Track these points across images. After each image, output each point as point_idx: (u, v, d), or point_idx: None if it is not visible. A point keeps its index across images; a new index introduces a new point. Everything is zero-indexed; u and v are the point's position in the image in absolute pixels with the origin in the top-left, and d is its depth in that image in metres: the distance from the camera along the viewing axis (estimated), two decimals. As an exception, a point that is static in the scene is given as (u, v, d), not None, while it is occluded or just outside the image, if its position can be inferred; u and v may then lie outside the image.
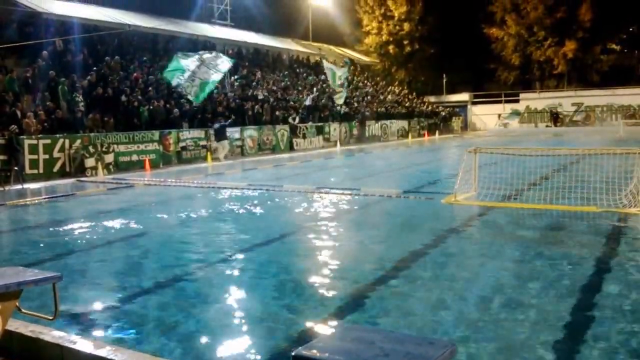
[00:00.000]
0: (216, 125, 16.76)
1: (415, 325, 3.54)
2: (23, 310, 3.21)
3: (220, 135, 16.63)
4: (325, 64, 23.29)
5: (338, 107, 24.67)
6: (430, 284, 4.33)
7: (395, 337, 2.06)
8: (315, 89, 25.73)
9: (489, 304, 3.88)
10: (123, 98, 15.76)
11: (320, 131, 22.29)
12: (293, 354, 1.85)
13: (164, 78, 16.61)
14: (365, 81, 33.41)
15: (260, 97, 21.44)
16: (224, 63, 16.40)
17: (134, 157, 14.57)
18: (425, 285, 4.33)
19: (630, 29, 39.34)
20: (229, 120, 17.46)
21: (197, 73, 15.75)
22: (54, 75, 15.09)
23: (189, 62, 15.73)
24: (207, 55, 16.38)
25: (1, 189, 10.70)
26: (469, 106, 38.81)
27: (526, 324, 3.49)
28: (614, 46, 40.38)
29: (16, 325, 3.23)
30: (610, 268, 4.66)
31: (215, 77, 16.08)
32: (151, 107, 16.20)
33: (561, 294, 4.01)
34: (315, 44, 35.12)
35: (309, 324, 3.60)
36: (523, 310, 3.71)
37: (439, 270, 4.72)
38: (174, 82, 15.92)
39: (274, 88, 23.65)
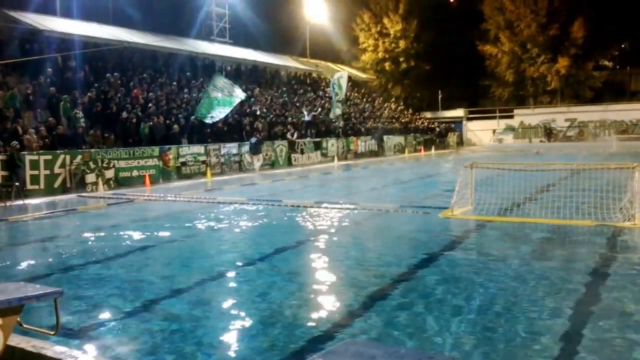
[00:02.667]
0: (252, 140, 18.13)
1: (414, 339, 3.58)
2: (24, 326, 3.23)
3: (256, 149, 17.99)
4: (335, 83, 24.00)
5: (336, 123, 24.85)
6: (428, 299, 4.37)
7: (396, 351, 2.08)
8: (316, 107, 25.95)
9: (482, 318, 3.92)
10: (123, 114, 15.88)
11: (318, 147, 22.43)
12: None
13: (200, 117, 17.24)
14: (362, 97, 33.74)
15: (258, 113, 21.63)
16: (238, 95, 17.20)
17: (134, 173, 14.62)
18: (422, 299, 4.36)
19: (623, 46, 40.03)
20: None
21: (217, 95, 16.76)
22: (54, 91, 15.22)
23: (219, 95, 16.76)
24: (225, 81, 17.24)
25: (2, 204, 10.70)
26: (464, 122, 39.15)
27: (518, 340, 3.53)
28: (606, 63, 41.01)
29: (17, 341, 3.24)
30: (605, 282, 4.71)
31: (223, 98, 16.85)
32: (151, 124, 16.32)
33: (555, 309, 4.06)
34: (313, 60, 35.56)
35: (308, 339, 3.63)
36: (516, 327, 3.75)
37: (435, 285, 4.75)
38: (208, 120, 16.96)
39: (273, 104, 23.87)
